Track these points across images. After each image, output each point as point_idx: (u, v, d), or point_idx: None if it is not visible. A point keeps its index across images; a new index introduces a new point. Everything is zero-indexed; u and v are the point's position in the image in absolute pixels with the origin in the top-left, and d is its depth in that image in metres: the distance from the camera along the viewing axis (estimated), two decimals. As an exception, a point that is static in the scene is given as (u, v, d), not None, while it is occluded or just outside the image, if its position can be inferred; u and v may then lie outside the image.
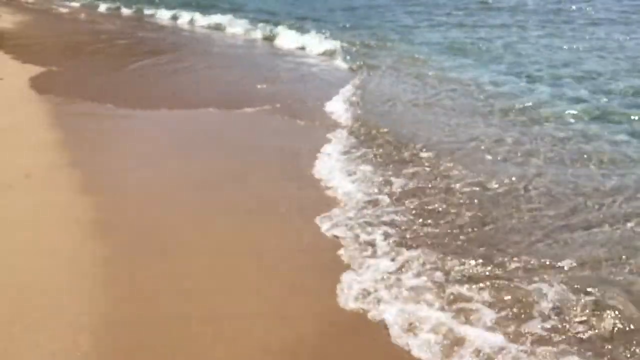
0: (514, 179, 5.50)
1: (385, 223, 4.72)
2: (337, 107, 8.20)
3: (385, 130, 6.99)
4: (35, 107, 8.24)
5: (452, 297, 3.71)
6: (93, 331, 3.50)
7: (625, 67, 9.93)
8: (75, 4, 22.56)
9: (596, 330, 3.39)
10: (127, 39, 14.98)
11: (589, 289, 3.71)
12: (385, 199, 5.15)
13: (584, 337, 3.35)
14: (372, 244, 4.40)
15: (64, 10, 21.69)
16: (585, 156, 6.07)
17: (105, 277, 4.08)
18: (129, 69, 10.98)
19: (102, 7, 21.64)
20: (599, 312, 3.50)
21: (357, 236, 4.52)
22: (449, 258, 4.16)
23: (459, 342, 3.31)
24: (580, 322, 3.45)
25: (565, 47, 11.88)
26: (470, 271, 4.00)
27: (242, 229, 4.78)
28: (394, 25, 15.63)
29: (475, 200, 5.09)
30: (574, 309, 3.55)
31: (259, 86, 9.64)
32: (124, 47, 13.70)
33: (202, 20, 17.97)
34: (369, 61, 11.36)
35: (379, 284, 3.87)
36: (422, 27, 15.15)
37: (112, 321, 3.61)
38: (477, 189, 5.32)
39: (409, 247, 4.33)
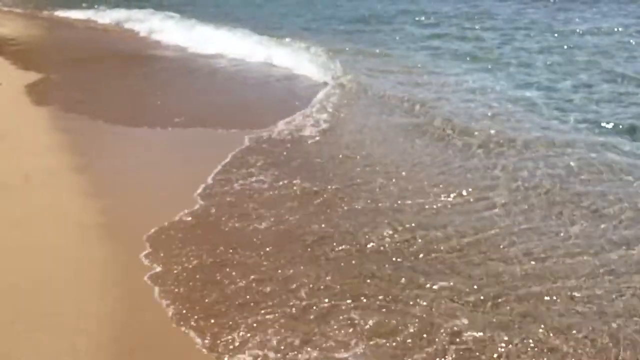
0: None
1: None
2: (283, 127, 7.61)
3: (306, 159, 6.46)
4: (33, 112, 8.26)
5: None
6: (94, 333, 3.50)
7: (619, 89, 9.23)
8: (60, 13, 22.28)
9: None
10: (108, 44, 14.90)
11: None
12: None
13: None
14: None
15: (61, 18, 21.62)
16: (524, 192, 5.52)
17: (105, 279, 4.08)
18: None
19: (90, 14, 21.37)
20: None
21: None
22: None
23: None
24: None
25: (561, 61, 11.38)
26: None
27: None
28: (376, 34, 15.38)
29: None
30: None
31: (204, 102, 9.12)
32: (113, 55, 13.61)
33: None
34: (341, 74, 10.47)
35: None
36: (409, 35, 14.93)
37: (112, 323, 3.61)
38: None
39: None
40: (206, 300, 3.84)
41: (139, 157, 6.72)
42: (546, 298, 3.88)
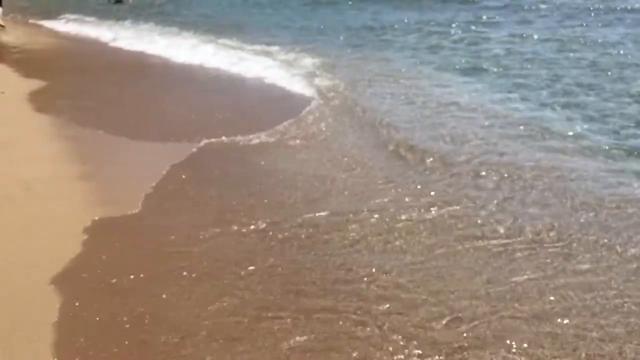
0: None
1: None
2: (244, 140, 7.26)
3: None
4: (35, 121, 8.24)
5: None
6: (92, 343, 3.47)
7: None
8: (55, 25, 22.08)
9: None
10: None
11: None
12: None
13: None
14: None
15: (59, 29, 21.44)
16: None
17: (103, 290, 4.05)
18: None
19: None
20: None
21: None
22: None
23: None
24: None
25: (565, 75, 10.78)
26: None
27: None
28: (373, 45, 14.97)
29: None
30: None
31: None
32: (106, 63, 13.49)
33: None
34: (330, 88, 9.96)
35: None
36: (407, 45, 14.69)
37: (110, 334, 3.58)
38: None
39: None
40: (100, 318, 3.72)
41: (139, 163, 6.70)
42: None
